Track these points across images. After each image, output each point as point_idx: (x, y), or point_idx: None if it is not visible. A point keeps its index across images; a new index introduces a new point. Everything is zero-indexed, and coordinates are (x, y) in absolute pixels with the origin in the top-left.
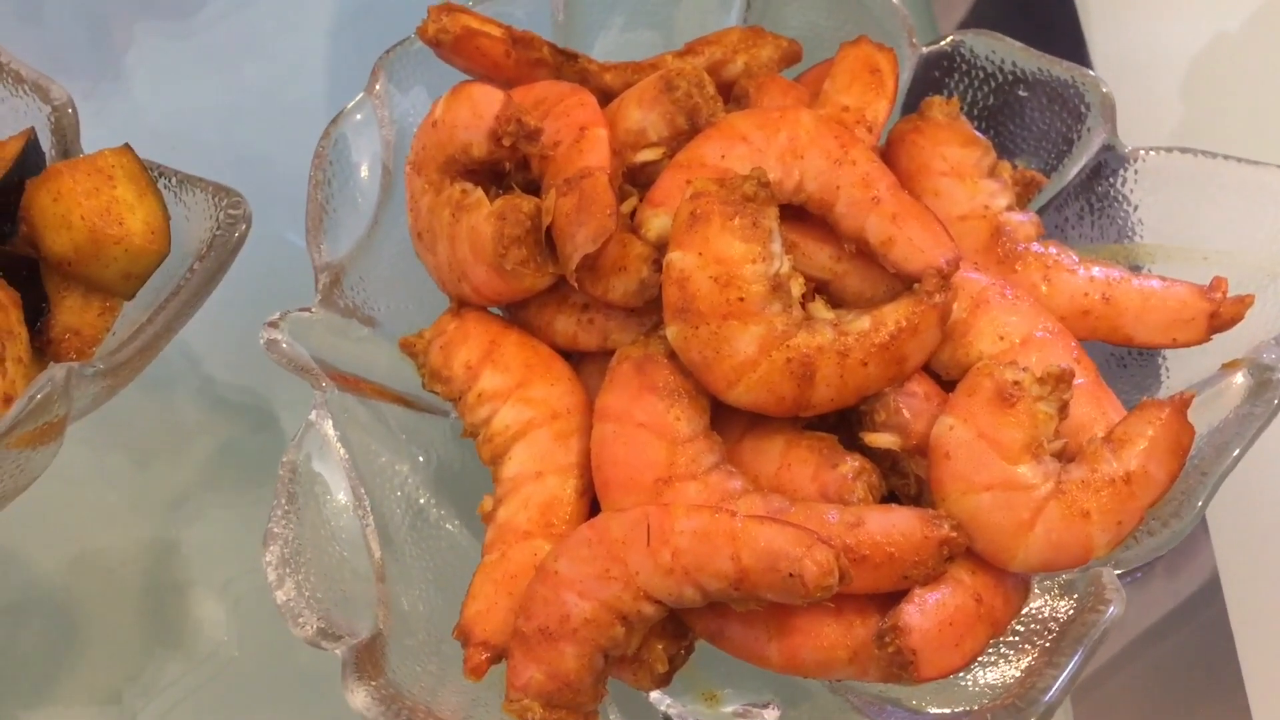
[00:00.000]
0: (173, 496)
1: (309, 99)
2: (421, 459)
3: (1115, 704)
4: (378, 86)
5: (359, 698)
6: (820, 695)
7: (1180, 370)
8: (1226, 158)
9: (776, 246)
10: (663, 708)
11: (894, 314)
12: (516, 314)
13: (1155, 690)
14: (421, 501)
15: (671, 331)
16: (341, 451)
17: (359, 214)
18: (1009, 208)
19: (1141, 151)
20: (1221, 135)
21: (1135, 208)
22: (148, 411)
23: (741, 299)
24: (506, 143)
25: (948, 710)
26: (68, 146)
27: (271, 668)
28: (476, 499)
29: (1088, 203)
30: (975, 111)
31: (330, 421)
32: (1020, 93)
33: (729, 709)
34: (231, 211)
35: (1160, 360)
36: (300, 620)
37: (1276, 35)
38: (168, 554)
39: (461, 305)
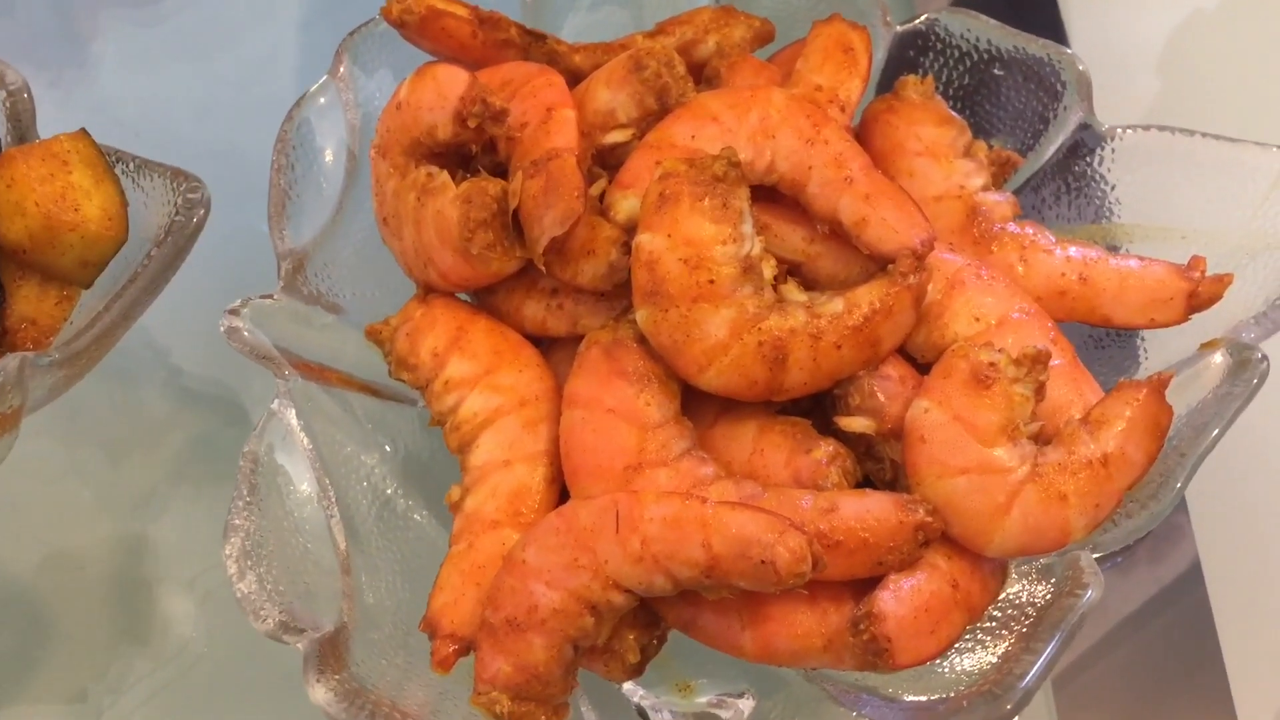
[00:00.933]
0: (141, 492)
1: (279, 89)
2: (389, 448)
3: (1097, 691)
4: (342, 69)
5: (319, 693)
6: (796, 684)
7: (1158, 351)
8: (1204, 135)
9: (748, 228)
10: (635, 699)
11: (868, 296)
12: (484, 300)
13: (1137, 677)
14: (389, 492)
15: (641, 315)
16: (305, 441)
17: (323, 199)
18: (985, 188)
19: (1119, 130)
20: (1199, 115)
21: (1113, 187)
22: (116, 405)
23: (712, 281)
24: (472, 124)
25: (924, 698)
26: (24, 132)
27: (240, 664)
28: (445, 489)
29: (1064, 182)
30: (950, 91)
31: (294, 411)
32: (996, 71)
33: (703, 699)
34: (190, 195)
35: (1138, 341)
36: (261, 613)
37: (1253, 14)
38: (136, 550)
39: (428, 291)
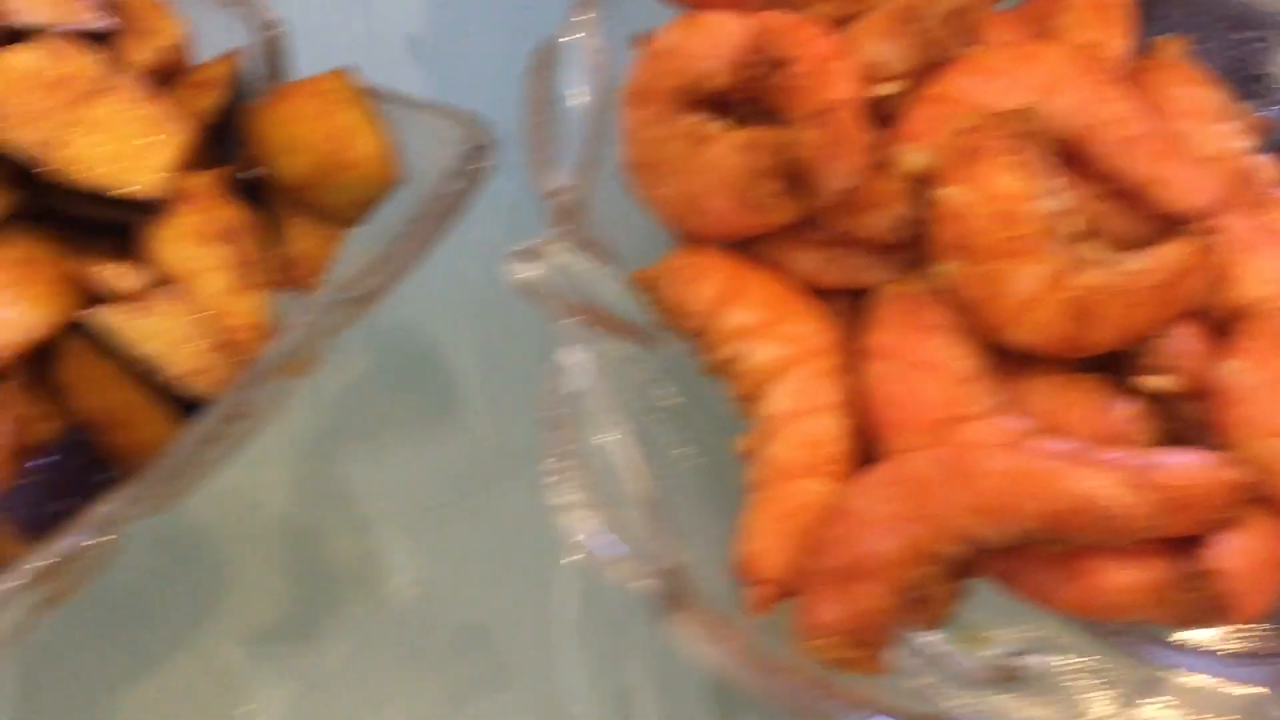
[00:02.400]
0: (348, 435)
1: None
2: (660, 394)
3: None
4: (590, 14)
5: (689, 625)
6: (1084, 643)
7: None
8: None
9: (1053, 184)
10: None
11: (1169, 255)
12: (747, 249)
13: None
14: (662, 440)
15: (947, 268)
16: (601, 385)
17: (575, 145)
18: (1250, 151)
19: None
20: None
21: None
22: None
23: (1022, 236)
24: (751, 73)
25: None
26: (280, 71)
27: (455, 612)
28: (713, 436)
29: None
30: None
31: (582, 353)
32: (1247, 34)
33: (992, 652)
34: (478, 141)
35: None
36: (606, 553)
37: None
38: (343, 493)
39: (690, 240)
